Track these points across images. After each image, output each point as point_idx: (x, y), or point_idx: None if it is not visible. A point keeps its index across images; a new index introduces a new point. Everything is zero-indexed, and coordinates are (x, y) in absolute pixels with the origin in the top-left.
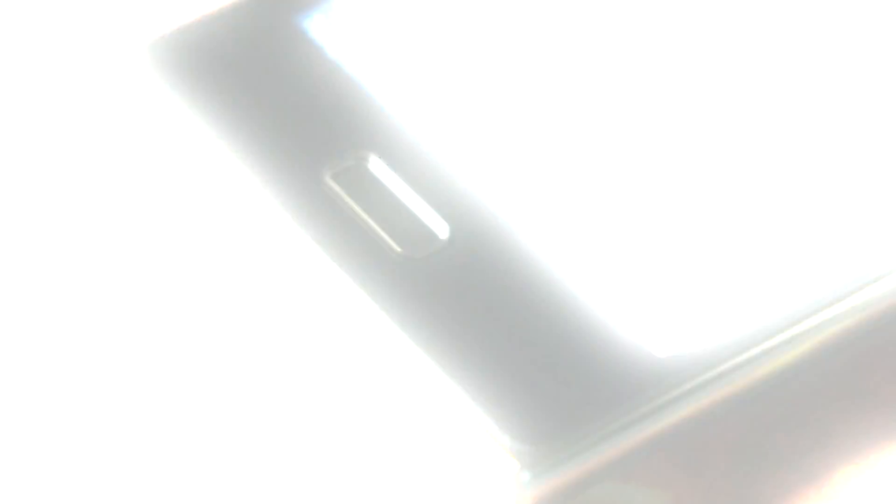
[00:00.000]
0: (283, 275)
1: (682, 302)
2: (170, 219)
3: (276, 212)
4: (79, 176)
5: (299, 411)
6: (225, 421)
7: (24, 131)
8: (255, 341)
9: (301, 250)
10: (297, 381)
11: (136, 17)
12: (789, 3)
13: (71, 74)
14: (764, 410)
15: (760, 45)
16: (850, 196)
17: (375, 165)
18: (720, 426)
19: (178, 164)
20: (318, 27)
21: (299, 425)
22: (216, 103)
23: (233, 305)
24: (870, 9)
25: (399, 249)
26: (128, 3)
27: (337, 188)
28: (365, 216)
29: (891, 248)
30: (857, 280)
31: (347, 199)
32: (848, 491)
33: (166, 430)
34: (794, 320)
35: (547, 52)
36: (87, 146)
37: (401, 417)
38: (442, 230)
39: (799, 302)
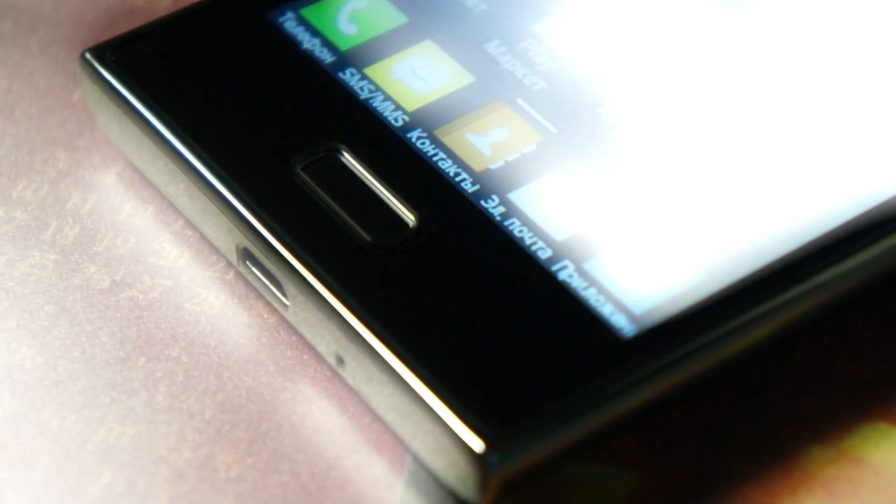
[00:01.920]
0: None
1: (648, 283)
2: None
3: (247, 203)
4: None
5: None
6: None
7: None
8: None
9: (271, 239)
10: (267, 363)
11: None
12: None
13: (31, 78)
14: (729, 390)
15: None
16: (812, 174)
17: (345, 157)
18: (686, 406)
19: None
20: (290, 21)
21: (270, 406)
22: (188, 98)
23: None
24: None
25: (369, 238)
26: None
27: (308, 179)
28: (335, 206)
29: (855, 228)
30: (821, 260)
31: (318, 190)
32: (815, 470)
33: None
34: (760, 300)
35: (511, 33)
36: (48, 147)
37: (365, 400)
38: (411, 219)
39: (764, 282)
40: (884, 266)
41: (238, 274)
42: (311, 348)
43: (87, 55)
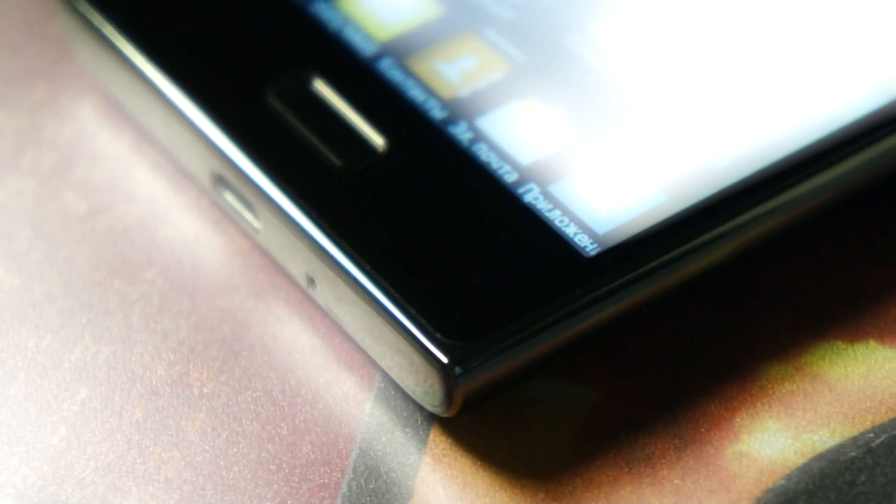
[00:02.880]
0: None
1: (610, 205)
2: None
3: (220, 130)
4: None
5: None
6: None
7: None
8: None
9: (244, 164)
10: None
11: None
12: None
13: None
14: (690, 308)
15: None
16: (771, 97)
17: (317, 84)
18: (647, 325)
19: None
20: None
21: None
22: (162, 28)
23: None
24: None
25: (339, 163)
26: None
27: (279, 106)
28: (306, 132)
29: (813, 150)
30: (779, 182)
31: (289, 117)
32: (773, 385)
33: None
34: (719, 221)
35: None
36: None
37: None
38: (379, 143)
39: (723, 203)
40: (840, 188)
41: (212, 200)
42: (282, 271)
43: None
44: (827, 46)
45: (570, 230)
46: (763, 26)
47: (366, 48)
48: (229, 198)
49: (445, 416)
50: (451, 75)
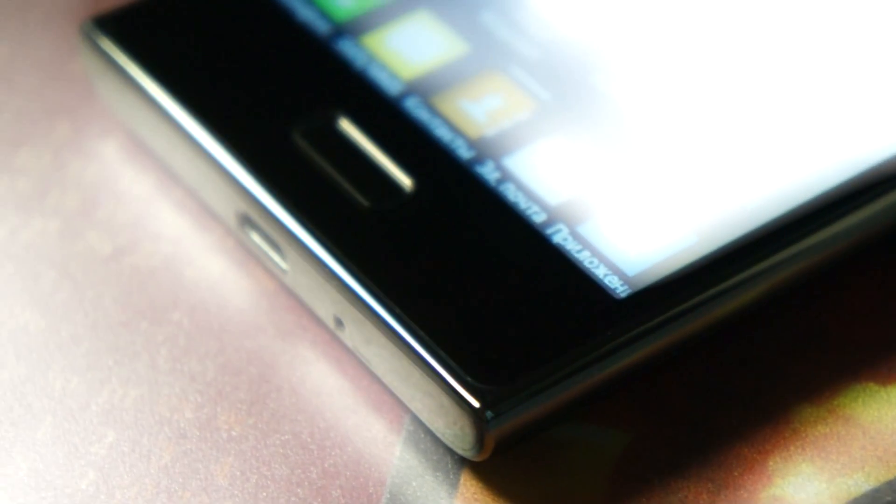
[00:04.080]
0: (251, 231)
1: (640, 246)
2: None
3: (246, 170)
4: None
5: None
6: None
7: None
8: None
9: (270, 204)
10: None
11: None
12: None
13: (28, 48)
14: (721, 350)
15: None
16: (801, 138)
17: (343, 124)
18: (679, 366)
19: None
20: None
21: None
22: (187, 67)
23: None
24: None
25: (366, 203)
26: None
27: (306, 146)
28: (333, 172)
29: (843, 192)
30: (810, 223)
31: (316, 156)
32: (805, 428)
33: None
34: (750, 262)
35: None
36: (41, 116)
37: (365, 361)
38: (406, 184)
39: (754, 245)
40: (871, 229)
41: (237, 240)
42: (309, 312)
43: (87, 26)
44: (857, 88)
45: (600, 271)
46: (793, 68)
47: (391, 87)
48: (255, 238)
49: (476, 460)
50: (477, 114)
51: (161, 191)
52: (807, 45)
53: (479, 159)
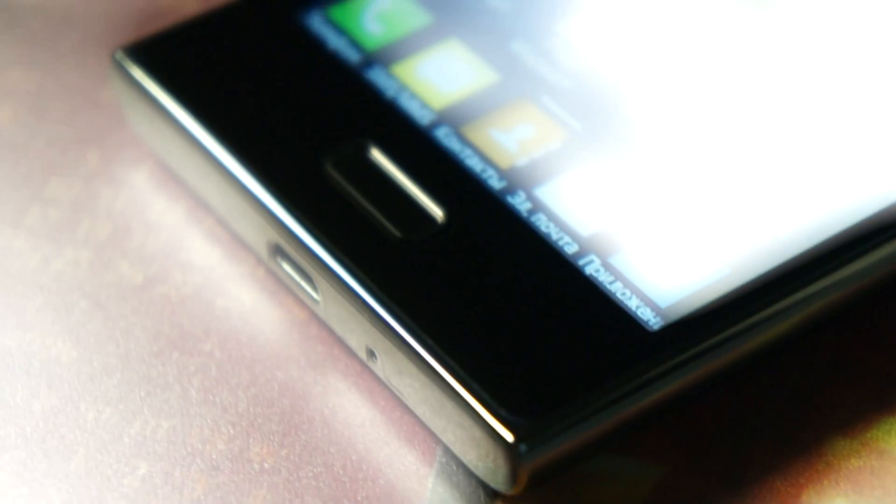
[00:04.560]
0: (282, 260)
1: (673, 277)
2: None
3: (277, 200)
4: (67, 180)
5: (304, 381)
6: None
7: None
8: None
9: (302, 235)
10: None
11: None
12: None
13: (64, 75)
14: (754, 382)
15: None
16: (834, 170)
17: (374, 154)
18: (711, 399)
19: (172, 160)
20: (316, 21)
21: (302, 394)
22: (218, 97)
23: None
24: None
25: (398, 234)
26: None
27: (337, 176)
28: (364, 202)
29: (875, 224)
30: (842, 255)
31: (347, 187)
32: (839, 461)
33: None
34: (783, 294)
35: (533, 29)
36: (81, 145)
37: (398, 393)
38: (439, 214)
39: (787, 277)
40: None
41: (269, 270)
42: (341, 343)
43: (119, 55)
44: (891, 121)
45: (633, 303)
46: (824, 101)
47: (422, 117)
48: (287, 268)
49: (510, 493)
50: (508, 144)
51: (192, 220)
52: (837, 78)
53: (511, 190)
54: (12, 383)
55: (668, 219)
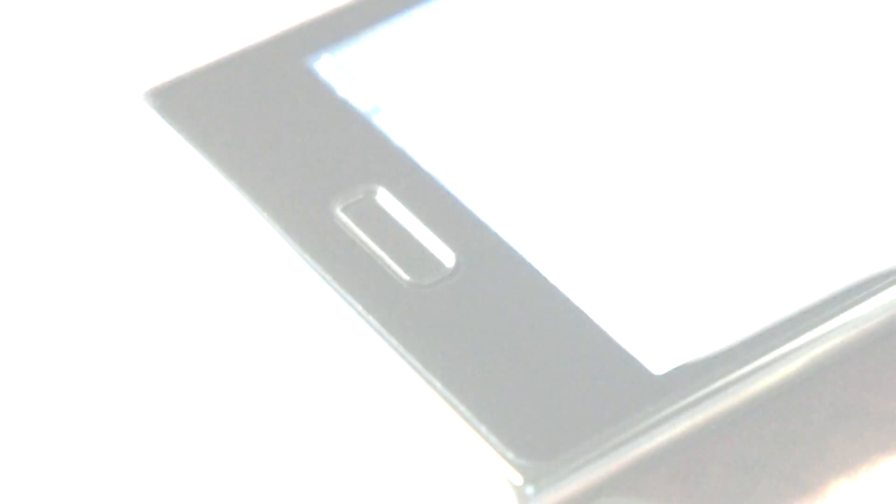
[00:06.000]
0: (294, 304)
1: (678, 320)
2: (180, 259)
3: (287, 245)
4: (92, 228)
5: (308, 432)
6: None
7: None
8: (268, 370)
9: (312, 280)
10: (307, 405)
11: (148, 63)
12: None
13: (80, 119)
14: (759, 425)
15: (749, 54)
16: (840, 214)
17: (383, 198)
18: (718, 440)
19: (187, 204)
20: (326, 67)
21: (308, 446)
22: (229, 141)
23: (243, 335)
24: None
25: (407, 277)
26: (140, 49)
27: (347, 220)
28: (374, 246)
29: (880, 266)
30: (848, 297)
31: (357, 231)
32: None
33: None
34: (788, 337)
35: (541, 82)
36: (99, 190)
37: (407, 435)
38: (448, 258)
39: (791, 319)
40: None
41: None
42: None
43: (143, 97)
44: (890, 172)
45: (639, 348)
46: (817, 154)
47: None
48: None
49: None
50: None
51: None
52: (842, 123)
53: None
54: None
55: (673, 265)
